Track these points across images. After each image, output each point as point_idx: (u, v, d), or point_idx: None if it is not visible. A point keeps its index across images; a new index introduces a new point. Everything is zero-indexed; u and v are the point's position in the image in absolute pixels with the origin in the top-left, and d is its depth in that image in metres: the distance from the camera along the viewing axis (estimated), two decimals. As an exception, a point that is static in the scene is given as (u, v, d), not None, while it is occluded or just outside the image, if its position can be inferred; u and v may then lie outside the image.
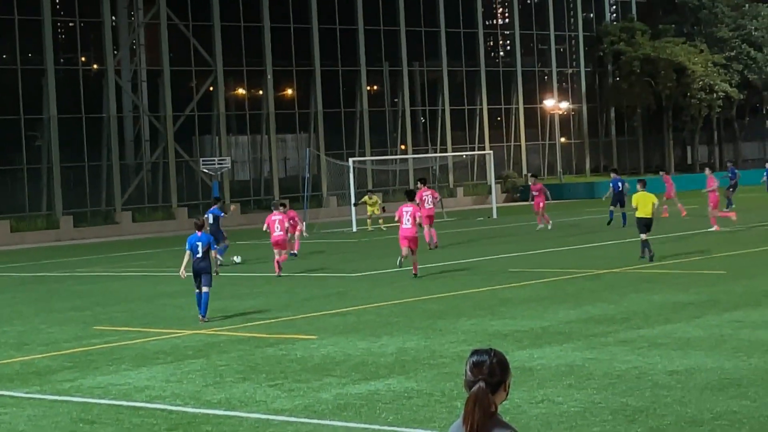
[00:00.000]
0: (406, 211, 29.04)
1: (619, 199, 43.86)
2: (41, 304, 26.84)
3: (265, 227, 32.15)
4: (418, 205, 31.13)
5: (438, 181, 71.76)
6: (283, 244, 31.61)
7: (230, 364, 16.91)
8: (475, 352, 6.15)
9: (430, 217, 37.25)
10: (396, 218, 29.65)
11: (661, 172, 44.42)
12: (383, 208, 49.51)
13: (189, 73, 67.15)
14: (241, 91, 70.49)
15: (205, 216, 33.67)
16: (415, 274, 28.28)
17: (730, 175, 47.15)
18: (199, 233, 22.67)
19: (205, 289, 22.02)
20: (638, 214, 29.85)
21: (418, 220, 29.27)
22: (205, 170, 61.53)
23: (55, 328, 22.23)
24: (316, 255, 37.44)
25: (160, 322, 22.27)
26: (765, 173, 45.41)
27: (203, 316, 22.01)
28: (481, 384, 6.03)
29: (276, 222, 31.56)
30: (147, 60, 66.57)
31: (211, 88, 67.18)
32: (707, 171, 42.03)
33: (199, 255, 22.31)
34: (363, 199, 50.12)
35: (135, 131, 65.38)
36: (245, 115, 69.29)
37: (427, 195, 38.56)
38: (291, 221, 33.64)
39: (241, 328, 20.81)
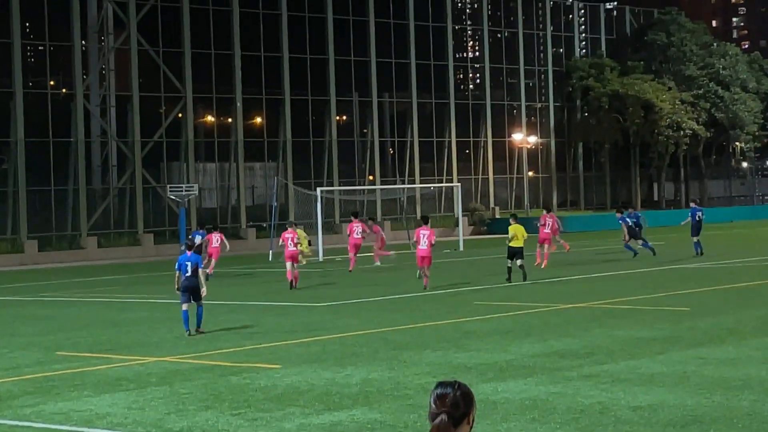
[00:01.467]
0: (423, 234, 33.44)
1: (698, 228, 44.05)
2: (4, 329, 26.64)
3: (280, 242, 36.93)
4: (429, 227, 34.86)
5: (405, 213, 71.83)
6: (296, 258, 35.64)
7: (193, 392, 16.81)
8: (439, 384, 6.14)
9: (357, 246, 42.54)
10: (414, 239, 36.27)
11: (545, 212, 44.46)
12: (309, 241, 46.34)
13: (158, 99, 67.06)
14: (210, 118, 70.44)
15: (191, 236, 36.37)
16: (425, 287, 32.71)
17: (634, 218, 46.25)
18: (189, 253, 24.34)
19: (198, 304, 23.92)
20: (512, 244, 34.89)
21: (433, 242, 33.42)
22: (172, 197, 61.35)
23: (18, 353, 22.07)
24: (281, 284, 37.32)
25: (124, 349, 22.15)
26: (690, 214, 45.20)
27: (198, 328, 23.88)
28: (444, 417, 6.02)
29: (289, 239, 35.66)
30: (116, 85, 66.44)
31: (180, 115, 67.08)
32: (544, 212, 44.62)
33: (188, 273, 23.95)
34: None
35: (102, 156, 65.16)
36: (214, 142, 69.22)
37: (357, 226, 43.07)
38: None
39: (204, 356, 20.71)
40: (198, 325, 24.00)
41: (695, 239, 44.24)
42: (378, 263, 44.79)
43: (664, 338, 20.89)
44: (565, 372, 17.44)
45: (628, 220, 44.46)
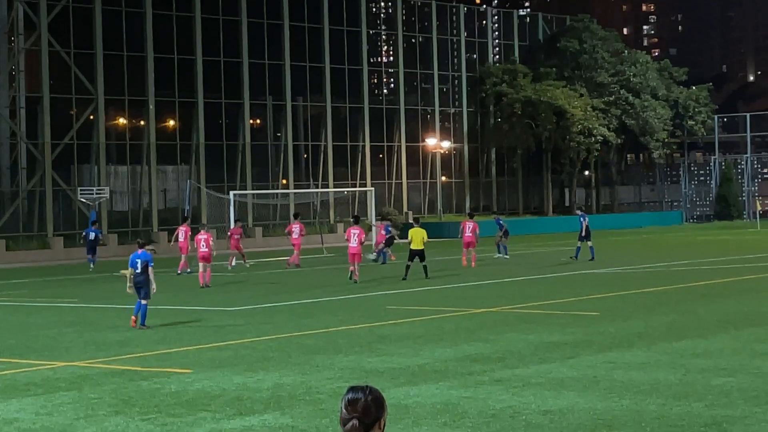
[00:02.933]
0: (354, 233, 37.32)
1: (587, 233, 45.96)
2: None
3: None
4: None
5: (319, 217, 71.75)
6: (209, 259, 37.20)
7: (103, 397, 16.64)
8: (351, 389, 6.13)
9: (297, 245, 46.55)
10: (345, 238, 39.00)
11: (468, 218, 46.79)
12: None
13: (69, 101, 66.28)
14: (122, 120, 69.78)
15: (84, 233, 42.77)
16: (356, 281, 36.50)
17: (498, 224, 49.20)
18: (139, 251, 25.53)
19: (143, 301, 25.03)
20: (412, 246, 37.76)
21: (362, 240, 37.35)
22: (82, 200, 60.68)
23: None
24: (192, 289, 37.11)
25: (32, 353, 21.85)
26: (580, 218, 46.28)
27: (143, 324, 25.00)
28: (355, 422, 6.02)
29: (202, 240, 37.57)
30: (26, 86, 65.56)
31: (92, 117, 66.37)
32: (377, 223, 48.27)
33: (138, 270, 25.26)
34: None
35: (12, 158, 64.23)
36: (126, 145, 68.57)
37: (296, 228, 47.09)
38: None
39: (115, 360, 20.51)
40: (142, 322, 25.09)
41: (588, 243, 45.53)
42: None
43: (574, 342, 21.08)
44: (477, 376, 17.52)
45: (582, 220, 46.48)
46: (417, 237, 37.91)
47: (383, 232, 49.13)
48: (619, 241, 62.75)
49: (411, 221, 40.79)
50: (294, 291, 34.95)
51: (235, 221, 49.41)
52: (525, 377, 17.28)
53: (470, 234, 44.08)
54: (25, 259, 59.12)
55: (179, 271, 44.10)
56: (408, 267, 37.94)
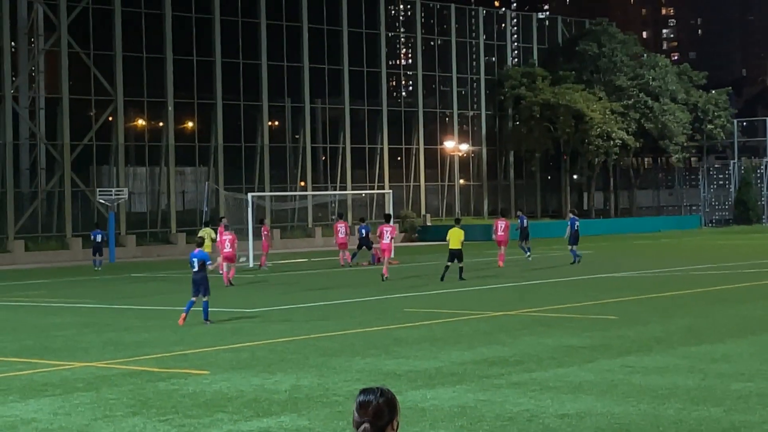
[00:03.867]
0: (386, 230, 40.11)
1: (576, 237, 46.13)
2: (-73, 332, 26.22)
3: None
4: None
5: (336, 219, 71.63)
6: (233, 259, 38.89)
7: (120, 398, 16.66)
8: (362, 392, 6.12)
9: (344, 245, 47.89)
10: (378, 234, 40.96)
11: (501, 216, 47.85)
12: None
13: (88, 102, 66.46)
14: (141, 122, 69.92)
15: (92, 235, 44.87)
16: (386, 276, 38.41)
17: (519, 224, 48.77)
18: (196, 250, 26.52)
19: (204, 298, 25.92)
20: (450, 246, 37.61)
21: (394, 236, 40.10)
22: (101, 201, 60.82)
23: (-59, 357, 21.74)
24: (212, 290, 37.12)
25: (50, 354, 21.90)
26: (569, 223, 46.52)
27: (206, 319, 25.91)
28: (366, 425, 6.01)
29: (227, 241, 38.80)
30: (46, 87, 65.79)
31: (111, 118, 66.52)
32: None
33: (195, 268, 26.14)
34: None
35: (31, 159, 64.44)
36: (144, 146, 68.72)
37: (341, 227, 48.82)
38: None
39: (132, 361, 20.54)
40: (205, 317, 25.99)
41: (573, 247, 45.74)
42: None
43: (592, 346, 21.03)
44: (494, 379, 17.49)
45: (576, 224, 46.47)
46: (455, 237, 37.67)
47: (362, 233, 49.75)
48: (638, 245, 62.60)
49: (444, 221, 41.31)
50: (311, 293, 34.95)
51: (261, 220, 50.31)
52: (542, 381, 17.24)
53: (503, 233, 45.03)
54: (43, 260, 59.30)
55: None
56: (447, 268, 37.90)
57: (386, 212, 48.54)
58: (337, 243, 48.94)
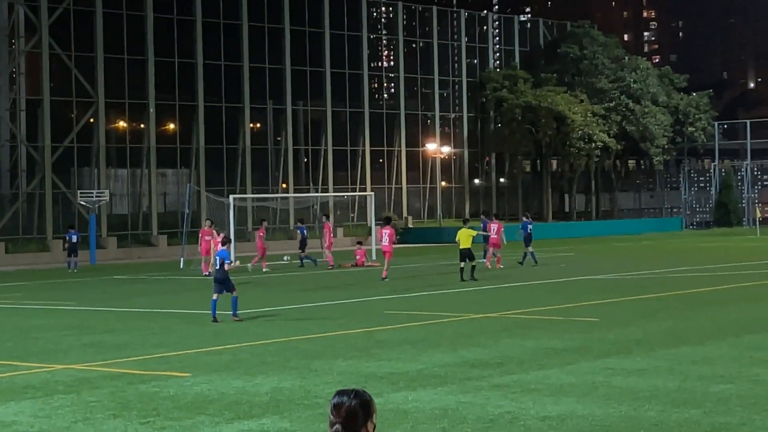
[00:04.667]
0: (385, 232, 41.18)
1: (529, 240, 46.91)
2: None
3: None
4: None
5: (318, 221, 71.70)
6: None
7: (101, 401, 16.62)
8: (337, 393, 6.14)
9: (389, 253, 44.79)
10: (378, 237, 42.67)
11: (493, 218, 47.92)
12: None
13: (70, 104, 66.33)
14: (122, 123, 69.80)
15: (67, 236, 46.79)
16: (385, 278, 39.47)
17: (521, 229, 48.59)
18: (220, 249, 27.63)
19: (233, 293, 26.83)
20: (461, 247, 38.44)
21: (393, 239, 41.29)
22: (82, 203, 60.68)
23: None
24: (191, 292, 37.12)
25: (30, 356, 21.83)
26: (521, 227, 47.12)
27: (234, 315, 26.72)
28: (338, 427, 6.03)
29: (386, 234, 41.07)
30: (27, 89, 65.60)
31: (92, 120, 66.38)
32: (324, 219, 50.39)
33: (217, 267, 27.09)
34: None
35: (12, 161, 64.26)
36: (126, 148, 68.58)
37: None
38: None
39: (113, 363, 20.49)
40: (233, 312, 26.80)
41: (529, 250, 46.31)
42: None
43: (573, 349, 21.06)
44: (476, 382, 17.51)
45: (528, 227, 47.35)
46: (465, 237, 38.70)
47: (301, 233, 51.14)
48: (619, 247, 62.74)
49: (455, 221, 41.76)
50: (292, 295, 34.93)
51: (261, 221, 52.78)
52: (524, 383, 17.27)
53: (495, 236, 45.21)
54: (24, 262, 59.12)
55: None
56: (462, 269, 38.71)
57: (385, 215, 48.95)
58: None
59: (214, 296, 26.94)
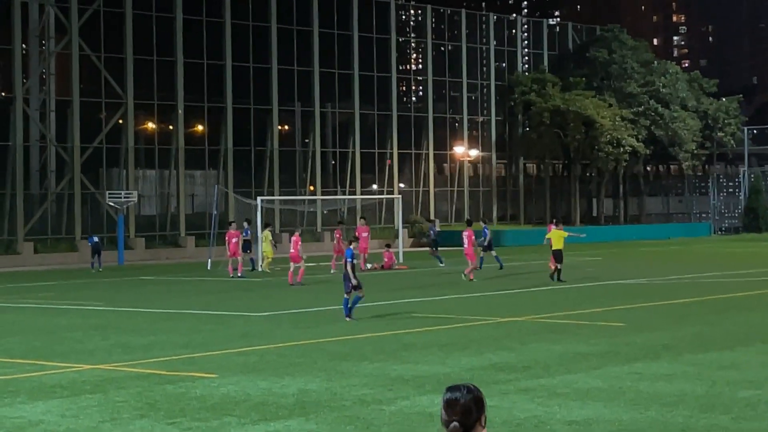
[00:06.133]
0: (466, 235, 41.19)
1: (490, 245, 46.72)
2: (-64, 333, 26.26)
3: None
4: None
5: (345, 224, 71.71)
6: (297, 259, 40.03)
7: (128, 401, 16.67)
8: (448, 389, 6.15)
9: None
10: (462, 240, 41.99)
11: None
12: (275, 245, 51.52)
13: (99, 105, 66.58)
14: (151, 125, 70.00)
15: (89, 241, 48.09)
16: (471, 279, 39.65)
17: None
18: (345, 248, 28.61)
19: (356, 293, 27.24)
20: (553, 248, 38.86)
21: (473, 242, 41.29)
22: (110, 203, 60.88)
23: (-50, 358, 21.77)
24: (220, 293, 37.19)
25: (58, 356, 21.92)
26: (482, 233, 46.24)
27: (348, 314, 27.16)
28: (455, 424, 6.02)
29: (294, 242, 40.43)
30: (57, 90, 65.90)
31: (121, 121, 66.60)
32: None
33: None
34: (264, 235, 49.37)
35: (41, 161, 64.55)
36: (154, 149, 68.78)
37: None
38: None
39: (140, 364, 20.55)
40: (351, 308, 27.30)
41: (492, 253, 46.08)
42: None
43: (600, 353, 21.00)
44: (502, 385, 17.47)
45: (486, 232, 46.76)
46: (557, 238, 39.16)
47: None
48: (647, 252, 62.52)
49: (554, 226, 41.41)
50: (320, 297, 34.94)
51: (363, 220, 53.21)
52: (550, 387, 17.22)
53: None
54: (52, 262, 59.36)
55: (239, 274, 44.61)
56: (559, 270, 39.15)
57: (467, 218, 51.73)
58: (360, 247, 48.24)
59: (345, 295, 27.44)
